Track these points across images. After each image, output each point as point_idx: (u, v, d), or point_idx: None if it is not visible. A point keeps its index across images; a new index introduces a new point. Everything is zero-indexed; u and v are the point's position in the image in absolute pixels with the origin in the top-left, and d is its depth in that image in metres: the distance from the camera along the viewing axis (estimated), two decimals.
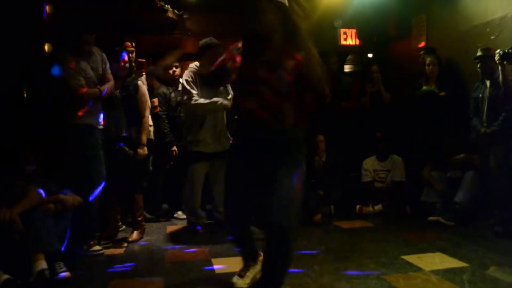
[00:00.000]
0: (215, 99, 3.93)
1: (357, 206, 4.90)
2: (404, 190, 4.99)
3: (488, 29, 4.57)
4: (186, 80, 4.02)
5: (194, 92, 3.97)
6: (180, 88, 4.94)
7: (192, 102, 3.94)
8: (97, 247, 3.61)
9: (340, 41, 6.34)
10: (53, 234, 3.03)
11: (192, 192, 4.20)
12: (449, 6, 5.14)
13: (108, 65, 3.75)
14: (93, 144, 3.55)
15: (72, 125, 3.52)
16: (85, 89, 3.51)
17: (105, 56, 3.73)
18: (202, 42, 4.11)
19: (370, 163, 5.19)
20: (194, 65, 4.12)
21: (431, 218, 4.37)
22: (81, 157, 3.51)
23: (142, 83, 4.16)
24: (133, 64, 4.22)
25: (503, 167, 4.05)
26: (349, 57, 6.71)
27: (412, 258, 3.28)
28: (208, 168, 4.20)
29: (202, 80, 4.01)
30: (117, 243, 3.88)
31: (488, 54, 4.11)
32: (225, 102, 3.94)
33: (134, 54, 4.47)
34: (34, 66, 4.18)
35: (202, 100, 3.93)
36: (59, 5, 4.73)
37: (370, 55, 6.60)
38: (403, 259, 3.27)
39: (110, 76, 3.75)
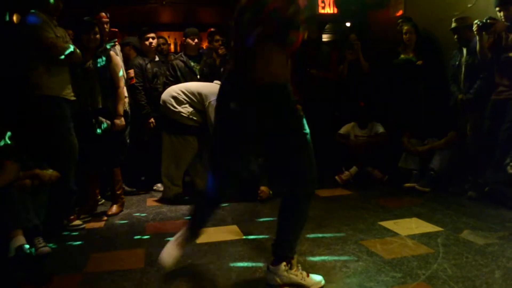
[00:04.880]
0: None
1: (336, 177, 4.91)
2: (387, 141, 4.98)
3: None
4: None
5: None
6: (156, 58, 4.89)
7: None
8: (77, 222, 3.59)
9: (318, 10, 6.27)
10: (31, 209, 2.97)
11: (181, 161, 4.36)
12: None
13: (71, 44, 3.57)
14: (60, 116, 3.42)
15: (38, 97, 3.37)
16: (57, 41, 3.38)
17: (68, 36, 3.58)
18: None
19: (350, 127, 5.18)
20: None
21: (407, 184, 4.47)
22: (50, 130, 3.41)
23: (115, 54, 4.07)
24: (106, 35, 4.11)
25: (477, 134, 4.14)
26: (327, 26, 6.64)
27: (389, 224, 3.36)
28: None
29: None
30: (97, 217, 3.87)
31: (464, 23, 4.13)
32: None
33: (108, 25, 4.37)
34: (3, 37, 4.03)
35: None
36: None
37: (348, 24, 6.55)
38: (380, 225, 3.35)
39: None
